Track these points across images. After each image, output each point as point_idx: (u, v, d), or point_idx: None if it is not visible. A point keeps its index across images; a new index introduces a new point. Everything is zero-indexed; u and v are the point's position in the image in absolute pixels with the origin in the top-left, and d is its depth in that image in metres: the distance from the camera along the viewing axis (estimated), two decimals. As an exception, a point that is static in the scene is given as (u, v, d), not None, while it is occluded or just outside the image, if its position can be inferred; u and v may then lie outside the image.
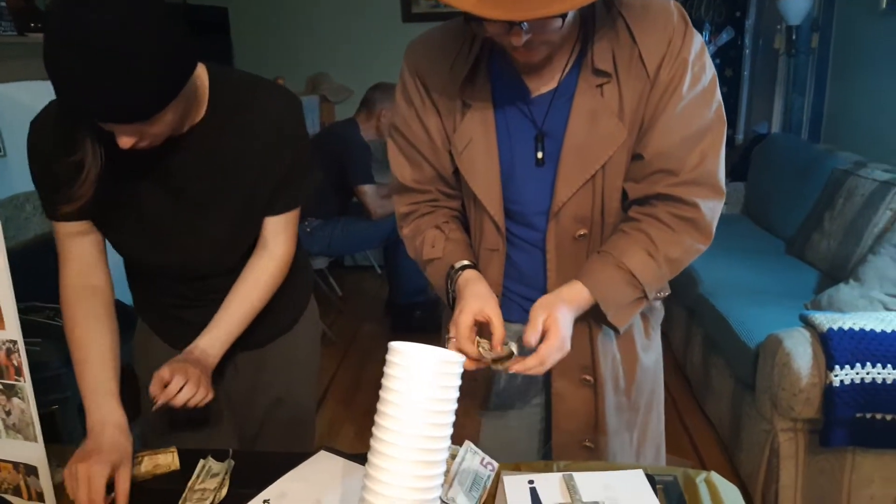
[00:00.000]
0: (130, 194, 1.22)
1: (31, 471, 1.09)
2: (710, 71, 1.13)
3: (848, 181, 3.01)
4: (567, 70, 1.14)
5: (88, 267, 1.27)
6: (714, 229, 1.17)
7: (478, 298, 1.16)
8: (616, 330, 1.23)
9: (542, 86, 1.16)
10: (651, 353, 1.36)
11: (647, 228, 1.16)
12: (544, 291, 1.23)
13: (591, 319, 1.23)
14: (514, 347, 1.11)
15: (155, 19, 0.98)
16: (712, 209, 1.15)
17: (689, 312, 3.21)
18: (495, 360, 1.11)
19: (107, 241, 1.31)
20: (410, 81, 1.23)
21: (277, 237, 1.32)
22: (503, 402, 1.40)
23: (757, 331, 2.41)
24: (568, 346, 1.12)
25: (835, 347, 2.04)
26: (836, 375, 2.02)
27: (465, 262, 1.24)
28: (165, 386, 1.15)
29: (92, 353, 1.20)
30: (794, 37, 4.07)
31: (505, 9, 0.93)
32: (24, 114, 2.37)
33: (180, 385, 1.14)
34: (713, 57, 4.66)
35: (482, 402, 1.40)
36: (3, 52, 2.29)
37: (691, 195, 1.13)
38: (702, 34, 4.64)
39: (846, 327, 2.08)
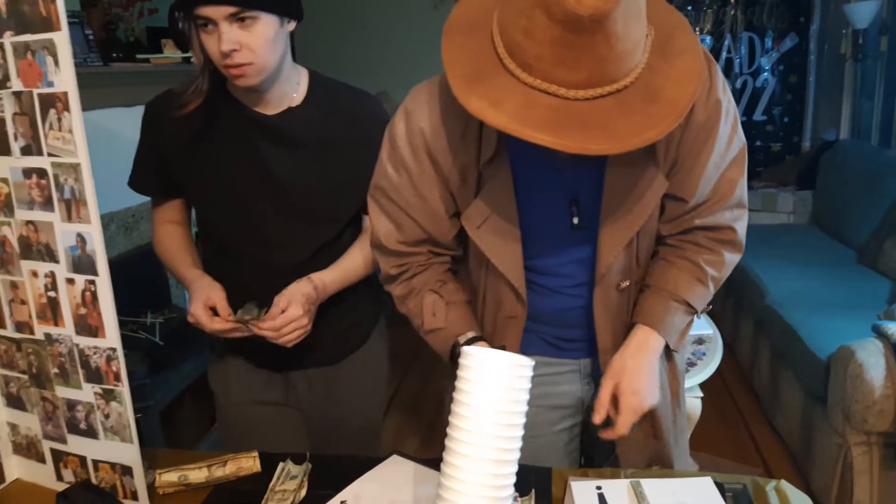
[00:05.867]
0: (221, 167, 1.34)
1: (126, 471, 1.17)
2: (732, 99, 1.13)
3: (922, 188, 2.93)
4: None
5: (173, 214, 1.47)
6: (745, 240, 1.22)
7: None
8: (671, 352, 1.25)
9: None
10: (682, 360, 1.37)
11: (692, 256, 1.18)
12: (571, 328, 1.24)
13: None
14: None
15: None
16: (743, 226, 1.20)
17: (756, 324, 3.15)
18: None
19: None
20: (406, 147, 1.10)
21: None
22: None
23: (828, 342, 2.36)
24: (655, 397, 1.16)
25: (910, 358, 1.99)
26: (912, 387, 1.96)
27: (471, 335, 1.17)
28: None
29: (171, 249, 1.44)
30: (860, 41, 3.97)
31: (613, 143, 0.87)
32: (108, 138, 2.51)
33: (303, 324, 1.29)
34: (777, 63, 4.60)
35: None
36: (91, 81, 2.45)
37: (726, 220, 1.17)
38: (764, 41, 4.61)
39: (922, 337, 2.03)
